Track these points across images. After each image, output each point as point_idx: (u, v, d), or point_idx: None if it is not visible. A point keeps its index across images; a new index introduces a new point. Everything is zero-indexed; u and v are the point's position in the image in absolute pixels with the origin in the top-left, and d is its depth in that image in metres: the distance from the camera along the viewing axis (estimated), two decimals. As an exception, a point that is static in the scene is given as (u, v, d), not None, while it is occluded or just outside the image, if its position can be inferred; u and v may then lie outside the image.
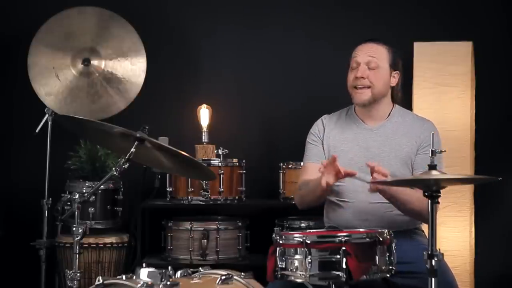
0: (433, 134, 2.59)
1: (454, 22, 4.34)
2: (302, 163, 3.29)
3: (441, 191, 2.47)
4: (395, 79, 3.18)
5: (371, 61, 3.11)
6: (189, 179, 3.93)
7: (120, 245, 4.02)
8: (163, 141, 3.48)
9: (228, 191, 3.99)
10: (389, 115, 3.18)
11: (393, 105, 3.21)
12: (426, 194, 2.47)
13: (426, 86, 3.99)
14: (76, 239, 2.79)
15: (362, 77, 3.10)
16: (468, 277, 3.90)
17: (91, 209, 3.91)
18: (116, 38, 4.13)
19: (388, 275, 2.54)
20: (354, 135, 3.17)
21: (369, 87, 3.10)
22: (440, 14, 4.37)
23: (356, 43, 3.19)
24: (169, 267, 2.36)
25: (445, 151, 2.62)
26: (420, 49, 4.01)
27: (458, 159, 3.88)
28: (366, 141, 3.14)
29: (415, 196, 2.89)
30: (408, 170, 3.09)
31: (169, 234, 4.00)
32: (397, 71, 3.19)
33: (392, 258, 2.55)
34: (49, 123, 3.89)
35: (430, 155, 2.50)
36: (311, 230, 2.85)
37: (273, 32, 4.46)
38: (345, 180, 3.11)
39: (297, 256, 2.49)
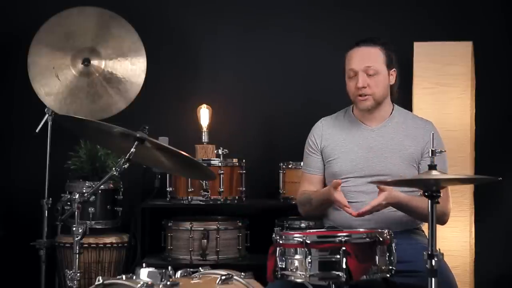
0: (433, 134, 2.58)
1: (454, 22, 4.34)
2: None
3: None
4: (393, 77, 3.17)
5: (369, 69, 3.09)
6: (189, 179, 3.92)
7: (120, 245, 4.01)
8: (163, 141, 3.48)
9: (228, 191, 3.98)
10: (390, 115, 3.18)
11: (393, 105, 3.21)
12: (426, 194, 2.47)
13: (426, 86, 3.98)
14: (76, 239, 2.79)
15: (364, 87, 3.08)
16: (468, 277, 3.90)
17: (91, 209, 3.91)
18: (116, 38, 4.13)
19: (388, 275, 2.54)
20: (354, 136, 3.16)
21: (371, 94, 3.10)
22: (440, 14, 4.36)
23: (351, 45, 3.18)
24: (169, 267, 2.36)
25: (445, 151, 2.62)
26: (420, 49, 4.01)
27: (458, 159, 3.88)
28: (367, 141, 3.13)
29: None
30: (414, 170, 3.08)
31: (169, 234, 4.00)
32: (394, 69, 3.18)
33: (392, 258, 2.55)
34: (49, 123, 3.89)
35: (430, 155, 2.50)
36: (311, 230, 2.85)
37: (273, 32, 4.45)
38: (345, 181, 3.12)
39: (297, 256, 2.49)
